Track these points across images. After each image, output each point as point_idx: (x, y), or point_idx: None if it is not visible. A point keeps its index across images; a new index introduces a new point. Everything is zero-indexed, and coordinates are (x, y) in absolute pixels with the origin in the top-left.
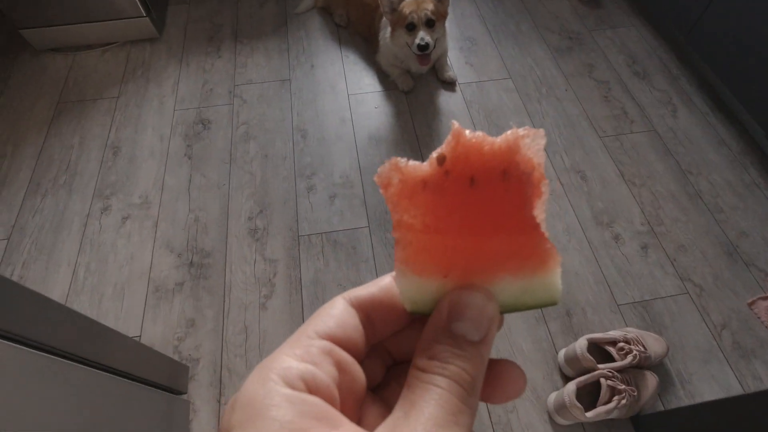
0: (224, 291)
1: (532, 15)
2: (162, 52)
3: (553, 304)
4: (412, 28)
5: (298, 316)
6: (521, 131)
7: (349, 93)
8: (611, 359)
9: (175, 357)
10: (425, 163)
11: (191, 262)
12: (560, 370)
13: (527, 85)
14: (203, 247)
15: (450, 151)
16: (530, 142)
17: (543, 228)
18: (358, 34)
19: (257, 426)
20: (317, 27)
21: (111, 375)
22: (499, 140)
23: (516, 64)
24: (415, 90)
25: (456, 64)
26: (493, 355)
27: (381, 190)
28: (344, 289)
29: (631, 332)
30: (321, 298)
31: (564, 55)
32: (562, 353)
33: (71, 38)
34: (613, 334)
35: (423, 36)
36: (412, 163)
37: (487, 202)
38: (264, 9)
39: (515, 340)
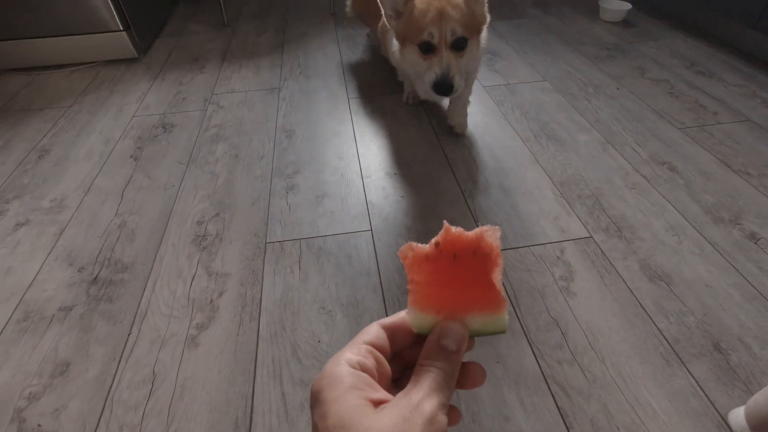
0: (134, 318)
1: (558, 34)
2: (137, 70)
3: (503, 331)
4: (428, 49)
5: (248, 354)
6: (486, 228)
7: (349, 97)
8: None
9: (11, 430)
10: (427, 245)
11: (95, 278)
12: None
13: (569, 86)
14: (121, 258)
15: (442, 239)
16: (491, 234)
17: (499, 286)
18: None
19: (335, 386)
20: (317, 48)
21: None
22: (471, 233)
23: (550, 69)
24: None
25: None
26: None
27: (401, 260)
28: (329, 313)
29: None
30: (291, 327)
31: (605, 61)
32: (737, 416)
33: (37, 56)
34: None
35: (444, 69)
36: (420, 245)
37: (464, 269)
38: (261, 38)
39: (638, 393)
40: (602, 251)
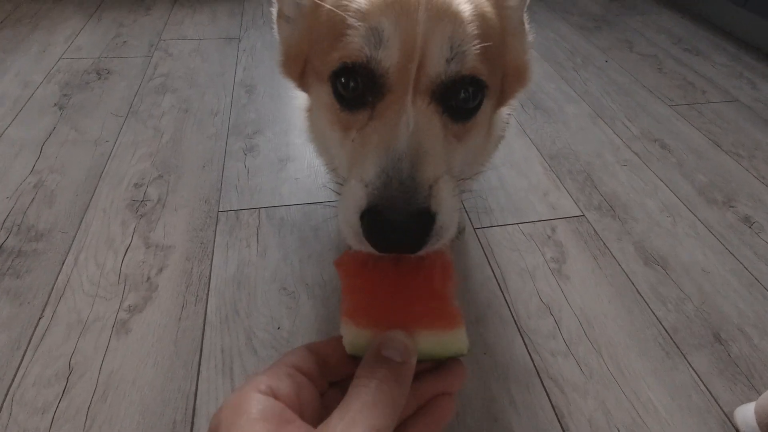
0: (49, 298)
1: (545, 2)
2: (67, 6)
3: (462, 354)
4: (358, 95)
5: (193, 343)
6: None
7: None
8: None
9: None
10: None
11: (0, 246)
12: None
13: (556, 54)
14: (35, 224)
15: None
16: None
17: (452, 300)
18: None
19: (236, 418)
20: None
21: None
22: None
23: (537, 36)
24: None
25: None
26: None
27: (336, 267)
28: (291, 294)
29: None
30: (245, 310)
31: (593, 32)
32: (745, 414)
33: None
34: None
35: (402, 157)
36: (358, 251)
37: (409, 277)
38: None
39: (638, 388)
40: (595, 231)
